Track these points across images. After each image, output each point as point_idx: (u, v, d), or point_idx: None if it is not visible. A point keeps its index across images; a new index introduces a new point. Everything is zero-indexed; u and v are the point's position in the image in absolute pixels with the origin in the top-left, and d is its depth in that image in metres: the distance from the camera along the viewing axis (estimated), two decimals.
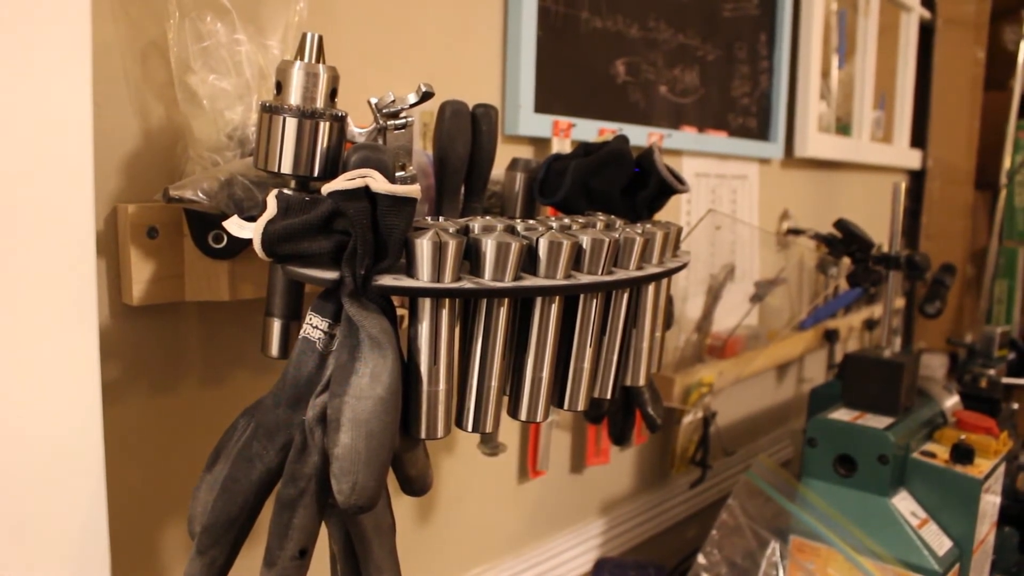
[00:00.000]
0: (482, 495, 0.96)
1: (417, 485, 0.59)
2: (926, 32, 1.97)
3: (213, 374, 0.67)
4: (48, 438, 0.48)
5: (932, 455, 0.97)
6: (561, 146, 0.94)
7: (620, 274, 0.58)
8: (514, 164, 0.73)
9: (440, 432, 0.52)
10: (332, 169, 0.53)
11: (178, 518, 0.66)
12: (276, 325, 0.59)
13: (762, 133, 1.38)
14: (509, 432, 0.97)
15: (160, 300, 0.59)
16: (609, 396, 0.63)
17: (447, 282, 0.50)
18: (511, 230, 0.55)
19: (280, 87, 0.52)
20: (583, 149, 0.72)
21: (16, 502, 0.47)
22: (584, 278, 0.55)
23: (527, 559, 1.02)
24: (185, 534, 0.66)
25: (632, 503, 1.20)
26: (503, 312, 0.53)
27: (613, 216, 0.67)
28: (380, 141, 0.57)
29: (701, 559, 1.03)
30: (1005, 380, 1.42)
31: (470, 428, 0.54)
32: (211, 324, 0.66)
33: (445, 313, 0.51)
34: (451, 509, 0.92)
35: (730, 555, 1.04)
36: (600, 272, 0.56)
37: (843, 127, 1.67)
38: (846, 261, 1.16)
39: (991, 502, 0.99)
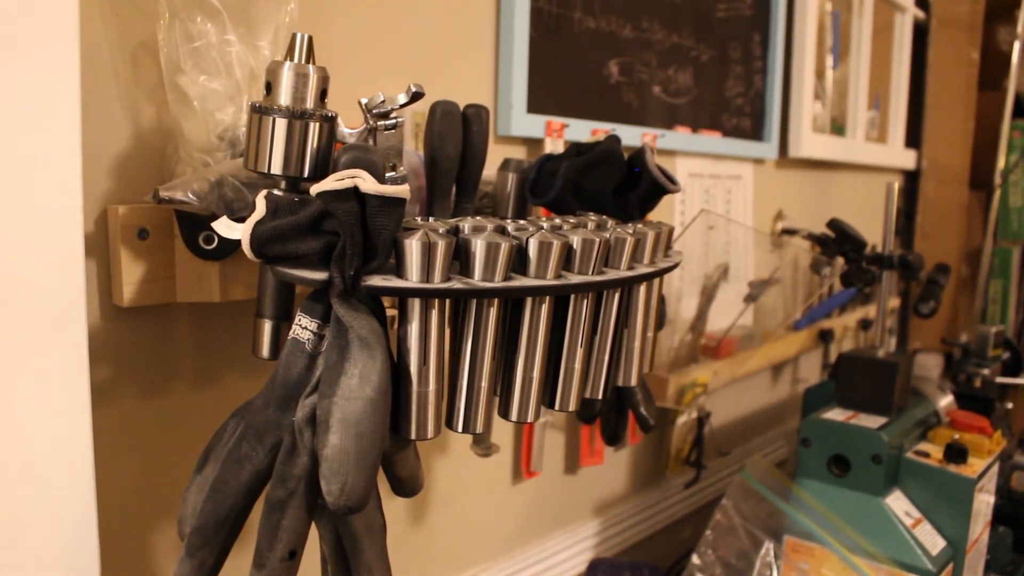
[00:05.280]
0: (475, 496, 0.96)
1: (408, 486, 0.59)
2: (920, 32, 1.98)
3: (204, 375, 0.67)
4: (37, 439, 0.48)
5: (926, 455, 0.97)
6: (554, 146, 0.94)
7: (611, 274, 0.58)
8: (506, 164, 0.73)
9: (430, 433, 0.52)
10: (322, 170, 0.53)
11: (168, 520, 0.66)
12: (267, 326, 0.59)
13: (756, 133, 1.38)
14: (502, 433, 0.97)
15: (151, 301, 0.59)
16: (601, 396, 0.63)
17: (436, 282, 0.49)
18: (501, 230, 0.55)
19: (270, 88, 0.52)
20: (575, 149, 0.72)
21: (5, 504, 0.47)
22: (574, 278, 0.55)
23: (521, 560, 1.02)
24: (175, 536, 0.66)
25: (626, 503, 1.20)
26: (493, 312, 0.53)
27: (605, 216, 0.67)
28: (370, 142, 0.57)
29: (695, 559, 1.03)
30: (999, 380, 1.43)
31: (460, 429, 0.54)
32: (202, 325, 0.66)
33: (435, 313, 0.51)
34: (444, 510, 0.92)
35: (724, 555, 1.04)
36: (590, 272, 0.56)
37: (838, 127, 1.68)
38: (840, 261, 1.16)
39: (985, 501, 1.00)
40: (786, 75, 1.45)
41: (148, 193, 0.57)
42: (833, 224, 1.14)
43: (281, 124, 0.51)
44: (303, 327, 0.50)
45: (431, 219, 0.56)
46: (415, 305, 0.50)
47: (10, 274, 0.45)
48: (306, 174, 0.52)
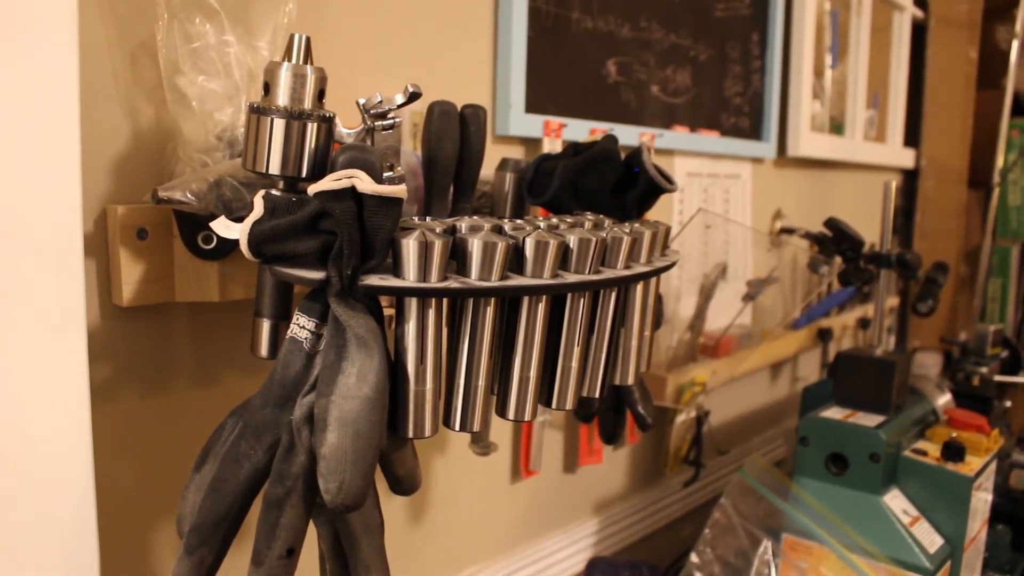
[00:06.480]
0: (474, 495, 0.96)
1: (406, 484, 0.59)
2: (919, 31, 1.98)
3: (203, 374, 0.67)
4: (37, 439, 0.48)
5: (924, 453, 0.97)
6: (552, 146, 0.95)
7: (607, 273, 0.58)
8: (504, 164, 0.74)
9: (427, 431, 0.52)
10: (320, 170, 0.53)
11: (168, 518, 0.66)
12: (265, 325, 0.59)
13: (755, 132, 1.38)
14: (501, 432, 0.97)
15: (150, 301, 0.59)
16: (598, 395, 0.63)
17: (433, 282, 0.50)
18: (498, 230, 0.55)
19: (268, 88, 0.52)
20: (572, 149, 0.73)
21: (4, 503, 0.47)
22: (571, 277, 0.55)
23: (520, 559, 1.02)
24: (174, 534, 0.66)
25: (625, 502, 1.20)
26: (490, 311, 0.53)
27: (602, 216, 0.67)
28: (368, 142, 0.57)
29: (694, 558, 1.04)
30: (998, 378, 1.43)
31: (457, 427, 0.55)
32: (201, 325, 0.66)
33: (432, 313, 0.51)
34: (443, 509, 0.92)
35: (723, 554, 1.04)
36: (587, 271, 0.57)
37: (836, 126, 1.68)
38: (838, 260, 1.16)
39: (983, 499, 1.00)
40: (784, 74, 1.45)
41: (147, 193, 0.57)
42: (831, 223, 1.14)
43: (279, 124, 0.51)
44: (301, 326, 0.51)
45: (428, 219, 0.56)
46: (412, 304, 0.51)
47: (10, 274, 0.45)
48: (304, 174, 0.53)
